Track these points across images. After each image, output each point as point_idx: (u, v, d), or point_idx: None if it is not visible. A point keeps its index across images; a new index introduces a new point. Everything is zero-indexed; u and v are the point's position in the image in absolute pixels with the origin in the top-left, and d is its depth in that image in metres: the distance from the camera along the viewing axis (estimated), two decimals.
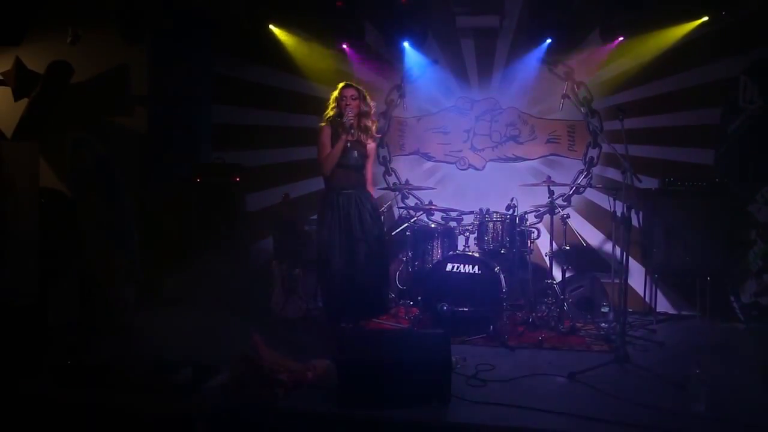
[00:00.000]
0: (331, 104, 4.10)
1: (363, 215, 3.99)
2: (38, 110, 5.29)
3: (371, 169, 4.23)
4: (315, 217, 5.84)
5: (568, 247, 4.88)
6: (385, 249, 4.24)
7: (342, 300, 3.96)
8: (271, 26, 5.84)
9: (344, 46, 5.84)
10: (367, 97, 4.12)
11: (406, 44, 5.74)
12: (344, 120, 3.96)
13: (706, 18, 5.20)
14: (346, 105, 3.99)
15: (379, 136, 4.25)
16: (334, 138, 4.00)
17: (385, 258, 4.25)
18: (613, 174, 5.52)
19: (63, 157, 5.29)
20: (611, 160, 5.57)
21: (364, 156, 4.10)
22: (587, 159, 5.73)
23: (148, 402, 3.00)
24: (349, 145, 4.00)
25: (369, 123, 4.11)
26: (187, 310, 4.89)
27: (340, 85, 4.11)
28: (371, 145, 4.17)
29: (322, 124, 4.11)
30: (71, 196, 5.22)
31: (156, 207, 5.49)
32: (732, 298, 5.07)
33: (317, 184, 6.05)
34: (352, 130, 3.97)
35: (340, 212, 3.98)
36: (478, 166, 5.94)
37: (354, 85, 4.12)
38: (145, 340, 4.01)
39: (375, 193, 4.36)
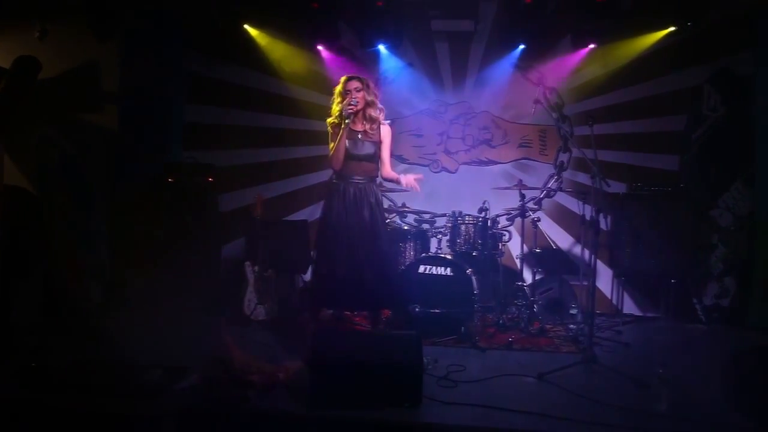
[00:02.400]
0: (336, 99, 3.98)
1: (372, 209, 3.94)
2: (3, 106, 5.15)
3: (388, 153, 4.08)
4: (290, 216, 5.91)
5: (538, 250, 4.96)
6: (390, 243, 4.22)
7: (333, 288, 3.91)
8: (245, 26, 5.80)
9: (319, 47, 5.83)
10: (371, 86, 4.02)
11: (381, 46, 5.75)
12: (342, 111, 3.86)
13: (672, 28, 5.35)
14: (351, 98, 3.89)
15: (389, 121, 4.12)
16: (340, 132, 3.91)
17: (390, 251, 4.21)
18: (583, 178, 5.63)
19: (29, 154, 5.17)
20: (581, 165, 5.68)
21: (376, 144, 4.00)
22: (558, 163, 5.84)
23: (116, 404, 2.95)
24: (359, 136, 3.96)
25: (375, 113, 3.99)
26: (157, 311, 4.81)
27: (343, 78, 4.00)
28: (385, 130, 4.03)
29: (329, 120, 4.01)
30: (37, 194, 5.10)
31: (126, 206, 5.40)
32: (695, 300, 5.21)
33: (291, 184, 6.08)
34: (347, 120, 3.85)
35: (348, 202, 3.92)
36: (451, 169, 5.99)
37: (357, 76, 4.02)
38: (114, 341, 3.94)
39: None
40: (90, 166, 5.28)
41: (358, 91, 3.92)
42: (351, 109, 3.86)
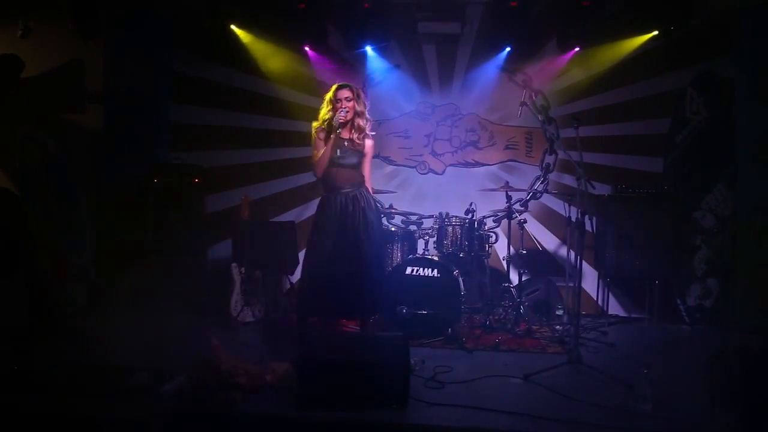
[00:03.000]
0: (326, 106, 3.94)
1: (366, 213, 3.90)
2: None
3: (369, 167, 4.08)
4: (277, 218, 5.89)
5: (524, 252, 4.99)
6: (383, 247, 4.18)
7: (322, 298, 3.85)
8: (232, 26, 5.78)
9: (306, 48, 5.83)
10: (361, 95, 4.00)
11: (368, 48, 5.76)
12: (333, 120, 3.83)
13: (656, 32, 5.42)
14: (341, 107, 3.86)
15: (373, 133, 4.09)
16: (327, 140, 3.86)
17: (383, 257, 4.18)
18: (568, 180, 5.67)
19: (12, 154, 5.11)
20: (567, 167, 5.73)
21: (361, 154, 3.98)
22: (544, 165, 5.88)
23: (101, 406, 2.93)
24: (345, 144, 3.92)
25: (363, 122, 3.97)
26: (142, 313, 4.78)
27: (334, 86, 3.96)
28: (369, 143, 4.02)
29: (315, 124, 3.97)
30: (20, 194, 5.04)
31: (111, 207, 5.35)
32: (678, 301, 5.27)
33: (278, 186, 6.06)
34: (339, 130, 3.82)
35: (340, 211, 3.87)
36: (438, 170, 6.02)
37: (348, 84, 3.99)
38: (99, 343, 3.89)
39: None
40: (74, 166, 5.23)
41: (349, 100, 3.90)
42: (342, 118, 3.84)
